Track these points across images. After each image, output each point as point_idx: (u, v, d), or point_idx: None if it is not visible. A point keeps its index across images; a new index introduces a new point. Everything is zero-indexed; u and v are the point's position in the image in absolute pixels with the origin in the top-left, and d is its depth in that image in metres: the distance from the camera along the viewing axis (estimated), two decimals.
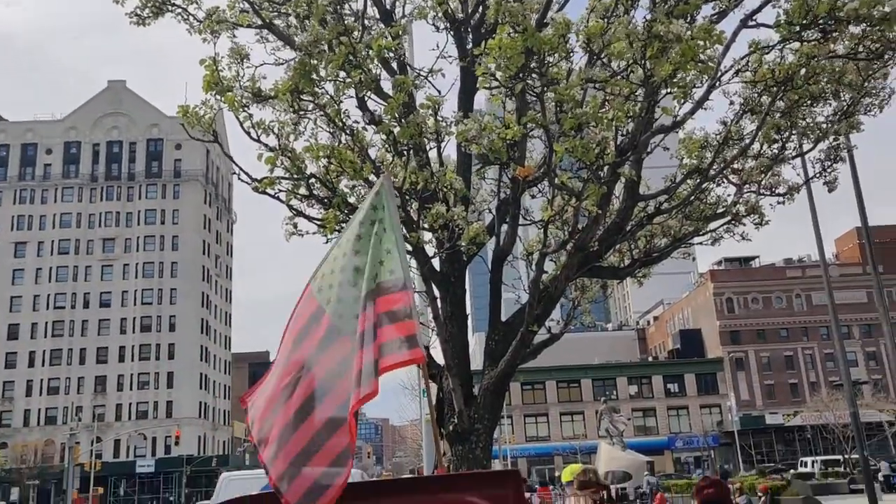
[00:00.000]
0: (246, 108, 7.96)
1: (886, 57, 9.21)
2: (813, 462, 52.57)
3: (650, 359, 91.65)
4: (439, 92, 8.87)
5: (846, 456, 52.96)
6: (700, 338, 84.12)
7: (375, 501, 2.85)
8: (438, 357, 9.85)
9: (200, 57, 8.10)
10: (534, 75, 6.63)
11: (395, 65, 8.84)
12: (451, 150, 11.52)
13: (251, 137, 8.06)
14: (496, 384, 8.78)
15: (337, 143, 8.27)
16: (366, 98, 8.41)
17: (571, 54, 6.57)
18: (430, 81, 8.94)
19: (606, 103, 7.03)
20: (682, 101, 7.00)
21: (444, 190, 8.76)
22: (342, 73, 7.97)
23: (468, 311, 9.19)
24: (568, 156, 6.56)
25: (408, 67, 8.79)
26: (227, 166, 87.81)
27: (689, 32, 6.04)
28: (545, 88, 6.52)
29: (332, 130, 8.29)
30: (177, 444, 70.80)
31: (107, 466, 70.37)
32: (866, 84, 9.50)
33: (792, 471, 50.71)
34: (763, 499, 29.38)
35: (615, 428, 36.87)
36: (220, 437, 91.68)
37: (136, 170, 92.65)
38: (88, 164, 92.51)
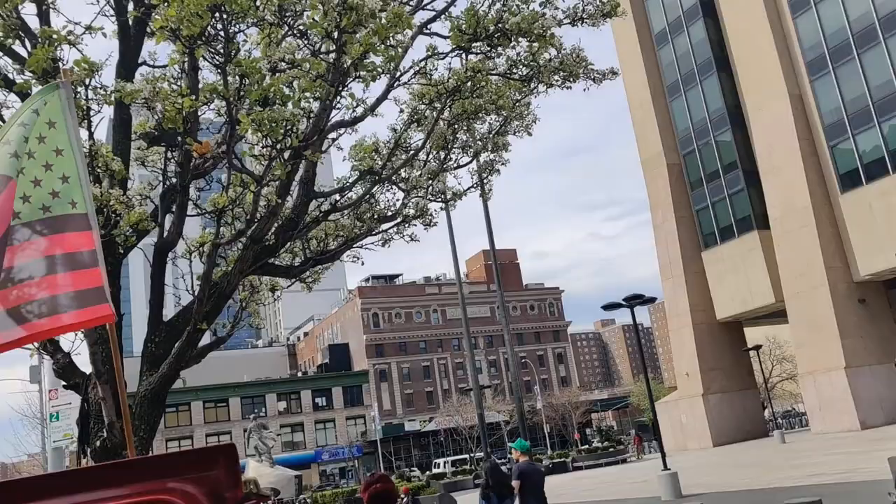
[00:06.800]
0: None
1: (532, 85, 10.35)
2: (444, 462, 57.51)
3: (300, 374, 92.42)
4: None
5: (472, 454, 59.02)
6: (348, 351, 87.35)
7: (44, 500, 2.14)
8: (80, 364, 8.51)
9: None
10: (217, 45, 6.04)
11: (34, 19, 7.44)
12: (101, 134, 10.16)
13: None
14: (156, 391, 7.82)
15: None
16: None
17: (262, 23, 6.12)
18: (75, 47, 7.72)
19: (295, 82, 6.72)
20: (368, 86, 7.01)
21: (100, 170, 7.63)
22: None
23: (129, 310, 8.07)
24: (253, 132, 6.09)
25: (50, 19, 7.44)
26: None
27: (383, 13, 6.04)
28: (230, 58, 5.98)
29: None
30: None
31: None
32: (517, 106, 10.56)
33: (427, 472, 54.83)
34: (405, 499, 31.27)
35: (264, 445, 36.31)
36: None
37: None
38: None
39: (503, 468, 18.73)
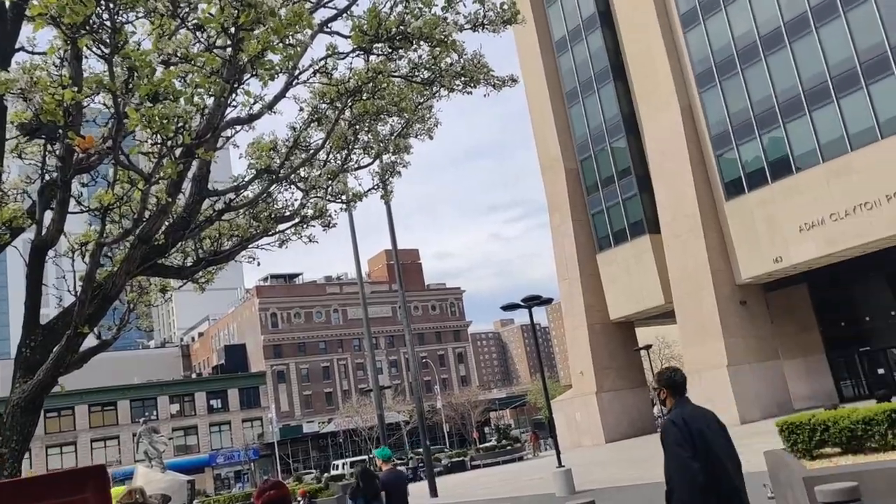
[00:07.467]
0: None
1: (434, 89, 10.37)
2: (343, 464, 57.06)
3: (194, 375, 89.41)
4: None
5: (370, 455, 58.82)
6: (244, 352, 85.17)
7: None
8: None
9: None
10: (103, 34, 5.72)
11: None
12: None
13: None
14: (30, 398, 7.34)
15: None
16: None
17: (153, 14, 5.81)
18: None
19: (188, 76, 6.45)
20: (266, 84, 6.81)
21: None
22: None
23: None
24: (143, 128, 5.80)
25: None
26: None
27: (283, 10, 5.87)
28: (117, 49, 5.68)
29: None
30: None
31: None
32: (419, 109, 10.56)
33: (326, 474, 54.19)
34: (302, 502, 30.77)
35: (155, 449, 34.93)
36: None
37: None
38: None
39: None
